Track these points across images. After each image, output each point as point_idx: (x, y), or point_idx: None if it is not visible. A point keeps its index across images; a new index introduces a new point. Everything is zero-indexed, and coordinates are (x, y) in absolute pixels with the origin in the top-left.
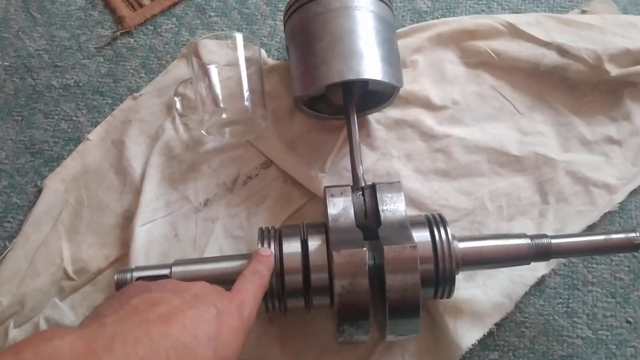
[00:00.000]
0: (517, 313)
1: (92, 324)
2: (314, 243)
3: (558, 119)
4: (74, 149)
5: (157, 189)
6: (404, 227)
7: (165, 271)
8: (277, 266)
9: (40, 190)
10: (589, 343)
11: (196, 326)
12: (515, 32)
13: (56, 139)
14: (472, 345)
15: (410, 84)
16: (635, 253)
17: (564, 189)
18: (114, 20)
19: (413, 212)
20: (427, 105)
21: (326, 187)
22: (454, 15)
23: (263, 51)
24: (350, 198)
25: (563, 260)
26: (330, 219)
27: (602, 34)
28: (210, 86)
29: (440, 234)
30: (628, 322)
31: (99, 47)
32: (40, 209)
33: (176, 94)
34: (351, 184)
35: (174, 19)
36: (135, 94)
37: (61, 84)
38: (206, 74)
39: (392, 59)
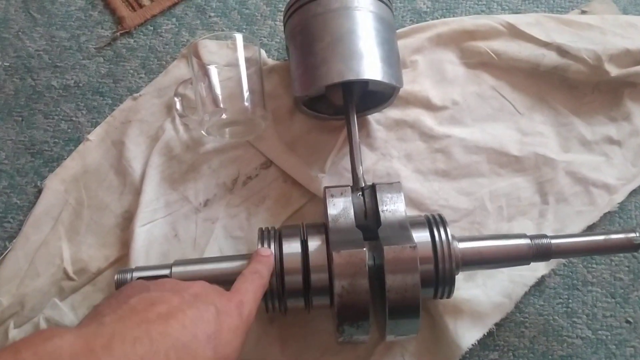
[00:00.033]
0: (517, 313)
1: (91, 324)
2: (314, 243)
3: (558, 119)
4: (74, 150)
5: (157, 190)
6: (403, 227)
7: (166, 271)
8: (277, 266)
9: (40, 191)
10: (588, 343)
11: (196, 326)
12: (515, 33)
13: (56, 140)
14: (472, 345)
15: (410, 84)
16: (635, 253)
17: (564, 189)
18: (114, 21)
19: (413, 213)
20: (427, 105)
21: (326, 187)
22: (453, 16)
23: (263, 51)
24: (350, 198)
25: (563, 261)
26: (330, 219)
27: (602, 35)
28: (210, 86)
29: (440, 234)
30: (628, 322)
31: (98, 47)
32: (40, 210)
33: (176, 94)
34: (351, 185)
35: (174, 20)
36: (135, 95)
37: (61, 85)
38: (206, 74)
39: (392, 59)
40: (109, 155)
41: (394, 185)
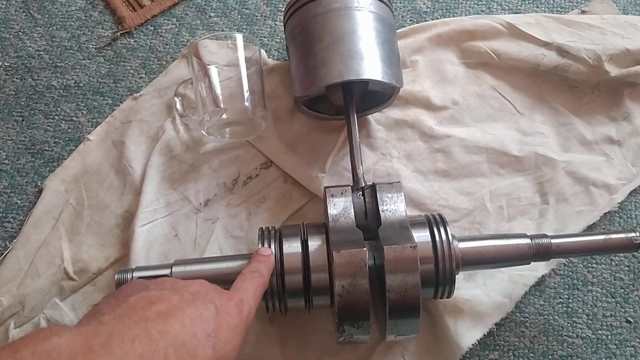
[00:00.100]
0: (517, 313)
1: (91, 322)
2: (314, 243)
3: (558, 119)
4: (74, 150)
5: (158, 190)
6: (404, 227)
7: (166, 271)
8: (277, 266)
9: (40, 191)
10: (588, 343)
11: (195, 324)
12: (515, 33)
13: (56, 140)
14: (473, 345)
15: (410, 84)
16: (635, 253)
17: (564, 189)
18: (114, 21)
19: (413, 213)
20: (427, 105)
21: (326, 187)
22: (453, 16)
23: (263, 52)
24: (351, 198)
25: (563, 260)
26: (330, 219)
27: (602, 34)
28: (210, 87)
29: (441, 234)
30: (628, 321)
31: (99, 47)
32: (41, 210)
33: (176, 94)
34: (351, 184)
35: (174, 20)
36: (135, 95)
37: (61, 85)
38: (206, 74)
39: (392, 59)
40: (110, 155)
41: (394, 185)
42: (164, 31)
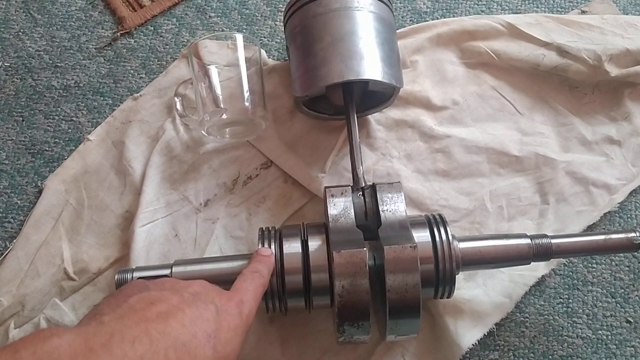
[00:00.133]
0: (517, 313)
1: (91, 323)
2: (314, 243)
3: (558, 119)
4: (74, 150)
5: (158, 190)
6: (404, 227)
7: (166, 271)
8: (277, 266)
9: (40, 191)
10: (588, 343)
11: (195, 325)
12: (515, 33)
13: (56, 140)
14: (473, 345)
15: (410, 84)
16: (635, 253)
17: (564, 189)
18: (114, 21)
19: (413, 213)
20: (427, 105)
21: (326, 187)
22: (453, 16)
23: (263, 52)
24: (351, 198)
25: (563, 260)
26: (330, 219)
27: (602, 35)
28: (210, 87)
29: (441, 234)
30: (628, 322)
31: (99, 47)
32: (41, 210)
33: (176, 94)
34: (351, 184)
35: (174, 20)
36: (135, 95)
37: (61, 85)
38: (206, 74)
39: (392, 59)
40: (110, 156)
41: (395, 185)
42: (164, 31)
